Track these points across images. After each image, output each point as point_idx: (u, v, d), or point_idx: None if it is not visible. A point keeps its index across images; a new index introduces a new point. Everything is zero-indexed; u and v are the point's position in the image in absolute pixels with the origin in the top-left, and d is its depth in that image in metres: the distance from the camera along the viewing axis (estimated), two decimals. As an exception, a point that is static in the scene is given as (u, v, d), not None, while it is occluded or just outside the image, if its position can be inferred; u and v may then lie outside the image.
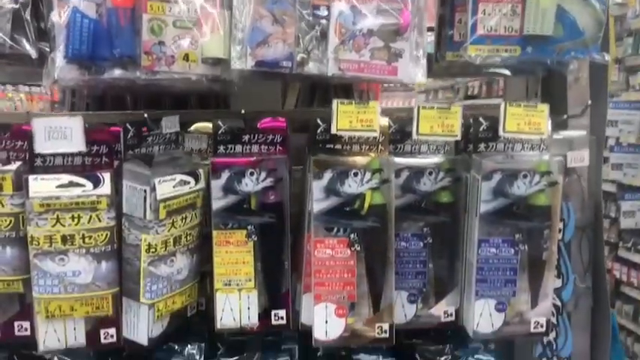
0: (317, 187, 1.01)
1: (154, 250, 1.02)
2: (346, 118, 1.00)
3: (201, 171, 1.09)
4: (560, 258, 1.14)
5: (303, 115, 1.18)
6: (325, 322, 1.03)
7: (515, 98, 1.42)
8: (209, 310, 1.21)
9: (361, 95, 2.15)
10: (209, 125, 1.18)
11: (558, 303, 1.18)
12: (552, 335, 1.19)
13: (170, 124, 1.11)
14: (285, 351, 1.20)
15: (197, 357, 1.19)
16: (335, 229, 1.03)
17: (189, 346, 1.19)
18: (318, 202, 1.01)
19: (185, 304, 1.13)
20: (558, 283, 1.16)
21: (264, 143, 1.13)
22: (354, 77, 1.05)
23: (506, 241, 1.05)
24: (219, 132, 1.11)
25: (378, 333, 1.04)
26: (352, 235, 1.02)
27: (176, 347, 1.20)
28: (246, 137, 1.12)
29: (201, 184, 1.09)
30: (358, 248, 1.02)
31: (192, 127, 1.20)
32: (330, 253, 1.02)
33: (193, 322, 1.20)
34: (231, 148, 1.12)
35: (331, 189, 1.01)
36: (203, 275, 1.17)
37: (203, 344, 1.20)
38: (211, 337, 1.24)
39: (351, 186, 1.01)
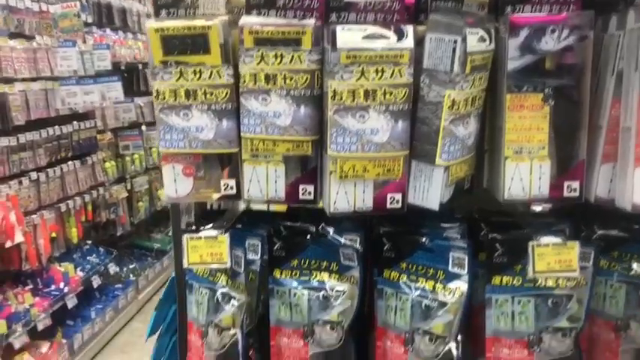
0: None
1: (456, 107, 0.97)
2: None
3: (492, 30, 1.01)
4: None
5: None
6: (646, 188, 0.95)
7: None
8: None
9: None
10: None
11: None
12: None
13: (459, -21, 1.03)
14: (558, 232, 1.14)
15: (460, 235, 1.15)
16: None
17: (453, 221, 1.16)
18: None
19: (466, 175, 1.08)
20: None
21: (556, 3, 1.03)
22: None
23: None
24: (509, -11, 1.03)
25: None
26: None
27: (440, 224, 1.17)
28: (537, -5, 1.02)
29: (493, 45, 1.01)
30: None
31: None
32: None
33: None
34: (519, 9, 1.04)
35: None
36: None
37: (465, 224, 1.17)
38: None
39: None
